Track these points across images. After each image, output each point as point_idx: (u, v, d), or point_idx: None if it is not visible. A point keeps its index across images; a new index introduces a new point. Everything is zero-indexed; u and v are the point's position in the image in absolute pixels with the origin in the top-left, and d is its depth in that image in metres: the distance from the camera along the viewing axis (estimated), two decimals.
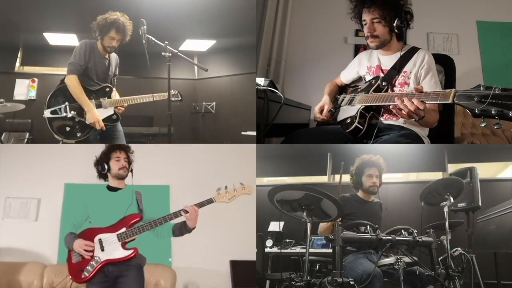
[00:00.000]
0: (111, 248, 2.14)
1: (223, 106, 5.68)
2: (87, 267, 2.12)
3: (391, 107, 2.25)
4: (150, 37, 2.80)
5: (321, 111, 2.59)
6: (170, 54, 2.85)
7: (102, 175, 2.35)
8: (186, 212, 2.20)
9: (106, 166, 2.31)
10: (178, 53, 2.89)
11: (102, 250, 2.14)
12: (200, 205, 2.24)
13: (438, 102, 1.94)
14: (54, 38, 4.93)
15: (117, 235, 2.16)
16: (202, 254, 3.25)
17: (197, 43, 5.30)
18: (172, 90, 2.95)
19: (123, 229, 2.17)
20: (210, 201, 2.27)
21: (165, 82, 2.90)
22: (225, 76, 5.77)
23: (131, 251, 2.16)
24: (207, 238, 3.05)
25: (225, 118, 5.61)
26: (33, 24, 4.49)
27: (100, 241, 2.15)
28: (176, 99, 2.98)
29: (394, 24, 2.29)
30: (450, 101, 1.82)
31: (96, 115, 2.86)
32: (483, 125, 1.71)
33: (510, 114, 1.60)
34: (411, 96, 2.01)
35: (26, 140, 4.62)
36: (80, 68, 2.87)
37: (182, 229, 2.27)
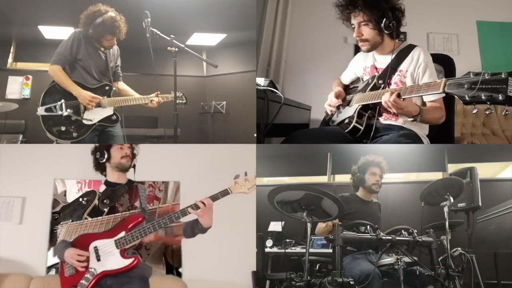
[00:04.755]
0: (109, 257, 1.89)
1: (234, 105, 5.27)
2: (82, 281, 1.86)
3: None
4: (155, 30, 2.63)
5: (337, 97, 2.54)
6: (177, 49, 2.67)
7: (100, 165, 2.13)
8: (197, 207, 1.92)
9: (106, 154, 2.09)
10: (185, 48, 2.71)
11: (98, 259, 1.89)
12: (214, 198, 1.95)
13: (430, 93, 1.95)
14: (49, 32, 4.64)
15: (115, 241, 1.91)
16: (218, 263, 2.89)
17: (205, 37, 5.04)
18: (176, 92, 2.76)
19: (122, 234, 1.93)
20: (225, 193, 1.96)
21: (171, 79, 2.71)
22: (236, 73, 5.37)
23: (131, 260, 1.90)
24: (221, 243, 2.78)
25: (236, 119, 5.20)
26: (27, 16, 4.22)
27: (96, 249, 1.90)
28: (180, 101, 2.77)
29: (382, 25, 2.23)
30: (441, 90, 1.83)
31: (87, 93, 2.68)
32: (474, 112, 1.71)
33: (500, 98, 1.61)
34: (404, 90, 2.04)
35: (19, 142, 4.29)
36: (65, 59, 2.70)
37: (194, 228, 1.99)
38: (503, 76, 1.63)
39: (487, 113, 1.68)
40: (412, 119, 2.12)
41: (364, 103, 2.35)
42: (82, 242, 1.94)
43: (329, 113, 2.58)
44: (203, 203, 1.94)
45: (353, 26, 2.35)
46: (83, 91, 2.70)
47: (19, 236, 2.84)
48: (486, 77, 1.66)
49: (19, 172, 2.96)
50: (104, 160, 2.11)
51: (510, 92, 1.60)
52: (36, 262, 2.79)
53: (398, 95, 2.01)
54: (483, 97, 1.65)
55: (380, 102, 2.22)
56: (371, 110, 2.37)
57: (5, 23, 4.41)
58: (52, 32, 4.65)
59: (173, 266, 2.84)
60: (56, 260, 2.76)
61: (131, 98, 2.83)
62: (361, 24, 2.29)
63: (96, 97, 2.71)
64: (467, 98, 1.69)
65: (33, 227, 2.85)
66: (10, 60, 5.15)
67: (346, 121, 2.41)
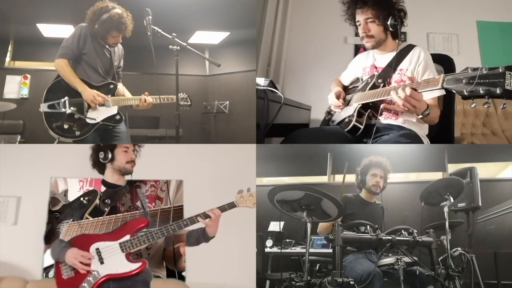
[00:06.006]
0: (113, 260, 1.84)
1: (237, 105, 5.15)
2: (83, 284, 1.79)
3: (387, 104, 2.25)
4: (156, 28, 2.57)
5: (338, 98, 2.55)
6: (178, 48, 2.61)
7: (99, 164, 2.10)
8: (207, 217, 1.93)
9: (110, 154, 2.06)
10: (187, 46, 2.65)
11: (101, 262, 1.83)
12: (222, 209, 1.98)
13: (429, 89, 1.94)
14: (48, 30, 4.58)
15: (120, 244, 1.87)
16: (222, 266, 2.72)
17: (208, 35, 4.96)
18: (181, 94, 2.69)
19: (127, 237, 1.88)
20: (232, 206, 2.00)
21: (172, 79, 2.65)
22: (239, 72, 5.24)
23: (138, 264, 1.85)
24: (224, 246, 2.60)
25: (239, 119, 5.03)
26: (25, 14, 4.15)
27: (98, 251, 1.85)
28: (185, 103, 2.72)
29: (388, 23, 2.28)
30: (439, 86, 1.83)
31: (92, 91, 2.63)
32: (473, 106, 1.71)
33: (498, 91, 1.61)
34: (404, 86, 2.02)
35: (17, 143, 4.10)
36: (72, 53, 2.65)
37: (200, 237, 1.99)
38: (500, 70, 1.65)
39: (485, 107, 1.68)
40: (421, 116, 2.09)
41: (364, 102, 2.35)
42: (80, 243, 1.88)
43: (340, 111, 2.57)
44: (213, 213, 1.95)
45: (358, 23, 2.37)
46: (88, 88, 2.65)
47: (14, 238, 2.68)
48: (484, 72, 1.67)
49: (14, 171, 2.83)
50: (107, 160, 2.08)
51: (507, 85, 1.61)
52: (32, 265, 2.61)
53: (414, 89, 1.97)
54: (481, 91, 1.65)
55: (380, 101, 2.23)
56: (371, 109, 2.38)
57: (3, 21, 4.34)
58: (51, 30, 4.58)
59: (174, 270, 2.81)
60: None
61: (134, 97, 2.78)
62: (368, 20, 2.31)
63: (102, 95, 2.65)
64: (465, 92, 1.69)
65: (29, 228, 2.67)
66: (8, 59, 5.04)
67: (346, 120, 2.42)
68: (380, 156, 2.67)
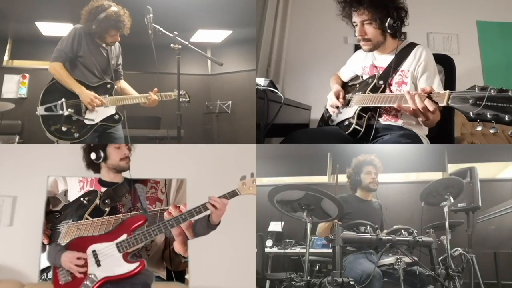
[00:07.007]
0: (110, 262, 1.79)
1: (240, 105, 5.05)
2: None
3: (396, 105, 2.21)
4: (157, 26, 2.53)
5: (337, 97, 2.49)
6: (180, 46, 2.56)
7: (93, 164, 2.06)
8: (206, 208, 1.88)
9: (102, 154, 2.01)
10: (189, 45, 2.61)
11: (98, 265, 1.78)
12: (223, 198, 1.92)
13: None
14: (47, 28, 4.52)
15: (117, 244, 1.81)
16: (224, 266, 2.65)
17: (210, 34, 4.89)
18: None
19: (124, 236, 1.82)
20: (233, 194, 1.92)
21: (174, 78, 2.60)
22: (242, 72, 5.15)
23: (136, 264, 1.80)
24: (226, 247, 2.59)
25: (242, 119, 4.95)
26: (24, 12, 4.09)
27: (95, 253, 1.80)
28: (183, 99, 2.67)
29: (386, 24, 2.19)
30: (444, 103, 1.77)
31: (90, 93, 2.61)
32: (479, 129, 1.63)
33: (507, 118, 1.52)
34: (420, 96, 1.91)
35: (16, 143, 4.03)
36: (66, 56, 2.62)
37: (206, 226, 1.93)
38: (510, 94, 1.54)
39: (491, 131, 1.59)
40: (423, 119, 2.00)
41: (364, 105, 2.32)
42: (77, 246, 1.84)
43: (333, 114, 2.57)
44: (217, 203, 1.90)
45: (354, 24, 2.30)
46: (85, 90, 2.63)
47: (9, 239, 2.56)
48: (492, 93, 1.56)
49: (10, 170, 2.73)
50: (100, 161, 2.04)
51: None
52: (28, 267, 2.49)
53: (434, 101, 1.84)
54: (488, 116, 1.56)
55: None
56: (371, 111, 2.35)
57: (1, 19, 4.28)
58: (50, 28, 4.54)
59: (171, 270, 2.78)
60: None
61: (132, 96, 2.77)
62: (364, 22, 2.24)
63: (99, 98, 2.64)
64: (471, 115, 1.61)
65: (25, 229, 2.56)
66: (6, 58, 4.99)
67: (346, 122, 2.40)
68: (368, 154, 2.66)
